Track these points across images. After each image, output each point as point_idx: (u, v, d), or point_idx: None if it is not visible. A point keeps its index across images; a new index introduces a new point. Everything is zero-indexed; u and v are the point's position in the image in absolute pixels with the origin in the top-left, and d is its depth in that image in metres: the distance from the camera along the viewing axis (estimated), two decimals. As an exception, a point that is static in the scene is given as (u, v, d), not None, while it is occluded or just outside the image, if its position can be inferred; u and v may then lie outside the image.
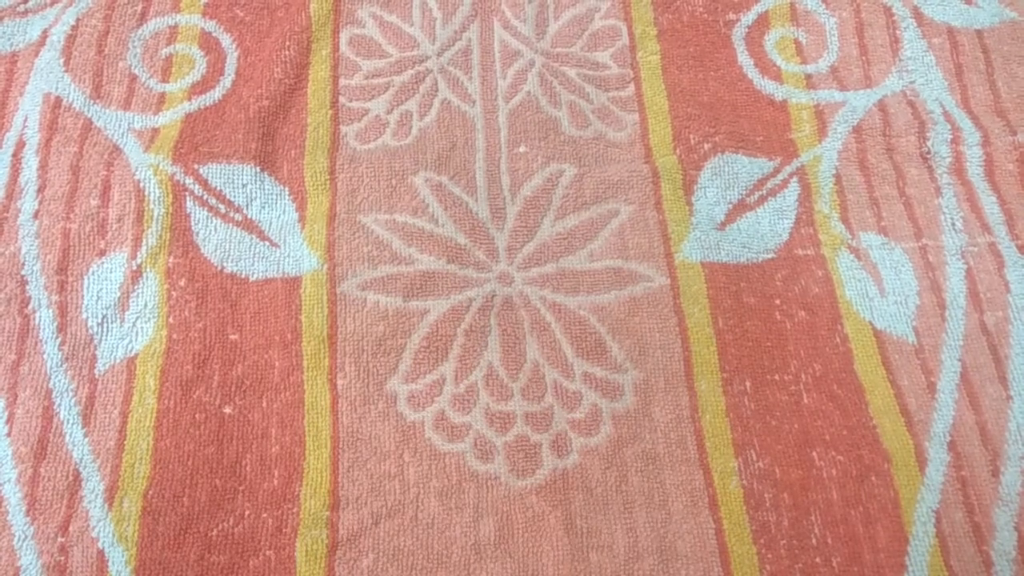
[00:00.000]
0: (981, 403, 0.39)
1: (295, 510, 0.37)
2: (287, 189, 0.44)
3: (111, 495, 0.37)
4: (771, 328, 0.41)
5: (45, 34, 0.47)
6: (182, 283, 0.41)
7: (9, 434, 0.38)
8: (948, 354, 0.40)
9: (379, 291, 0.41)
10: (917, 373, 0.40)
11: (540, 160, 0.45)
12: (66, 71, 0.46)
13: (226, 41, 0.48)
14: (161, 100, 0.46)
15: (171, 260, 0.41)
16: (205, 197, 0.43)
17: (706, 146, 0.45)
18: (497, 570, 0.37)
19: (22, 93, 0.45)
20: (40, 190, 0.43)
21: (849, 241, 0.43)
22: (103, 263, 0.41)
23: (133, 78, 0.46)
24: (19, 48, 0.47)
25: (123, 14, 0.48)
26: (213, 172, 0.43)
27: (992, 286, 0.42)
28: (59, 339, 0.39)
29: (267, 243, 0.43)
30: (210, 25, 0.48)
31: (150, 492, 0.37)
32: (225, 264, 0.42)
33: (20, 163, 0.43)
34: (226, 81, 0.47)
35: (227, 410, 0.39)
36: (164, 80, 0.46)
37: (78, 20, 0.47)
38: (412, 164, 0.45)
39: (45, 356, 0.39)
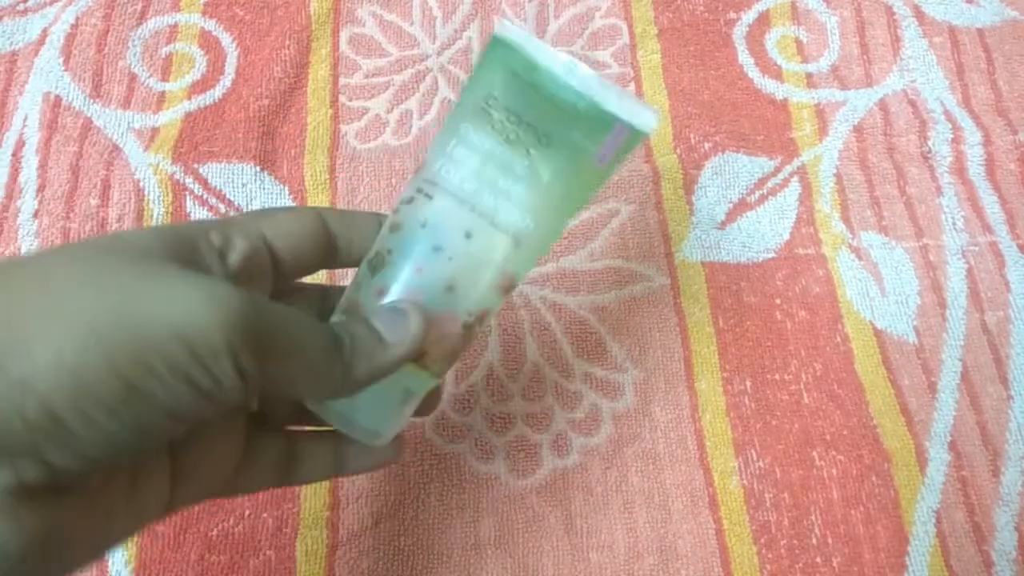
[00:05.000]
0: (982, 403, 0.39)
1: (295, 510, 0.37)
2: (287, 188, 0.44)
3: (111, 495, 0.37)
4: (771, 327, 0.41)
5: (45, 33, 0.47)
6: (182, 283, 0.41)
7: (9, 434, 0.38)
8: (949, 354, 0.40)
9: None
10: (918, 373, 0.40)
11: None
12: (66, 70, 0.46)
13: (226, 40, 0.48)
14: (161, 99, 0.46)
15: (171, 260, 0.41)
16: (205, 196, 0.43)
17: (706, 145, 0.45)
18: (497, 570, 0.37)
19: (22, 92, 0.45)
20: (40, 189, 0.43)
21: (850, 240, 0.43)
22: (103, 263, 0.41)
23: (133, 77, 0.46)
24: (19, 47, 0.47)
25: (123, 13, 0.48)
26: (213, 171, 0.43)
27: (993, 286, 0.42)
28: (59, 339, 0.39)
29: (267, 242, 0.43)
30: (210, 24, 0.48)
31: (150, 492, 0.37)
32: (225, 264, 0.42)
33: (20, 162, 0.43)
34: (226, 80, 0.47)
35: (227, 410, 0.39)
36: (164, 79, 0.46)
37: (78, 19, 0.47)
38: (412, 163, 0.45)
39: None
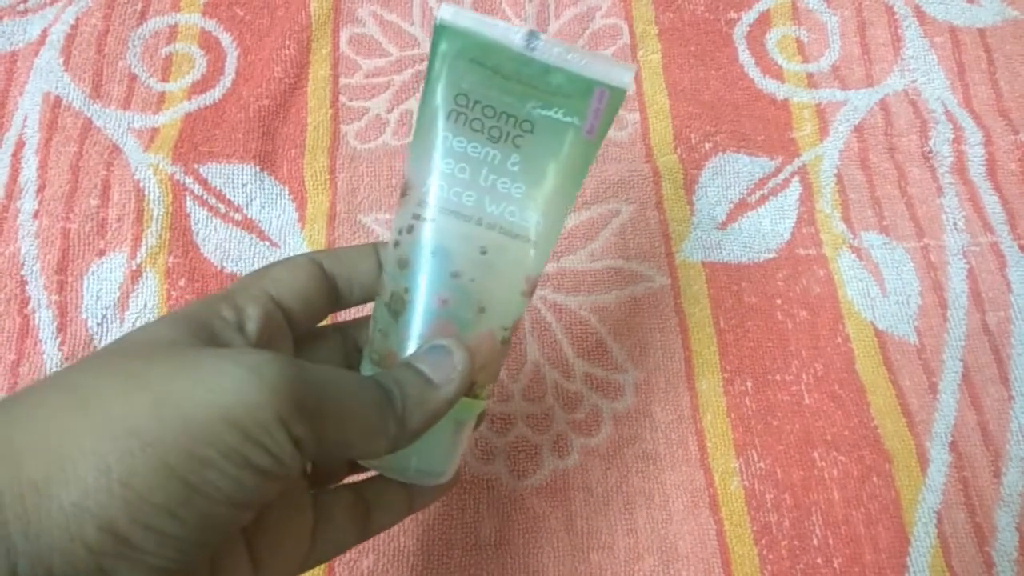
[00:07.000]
0: (983, 403, 0.39)
1: (295, 510, 0.37)
2: (287, 188, 0.44)
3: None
4: (772, 328, 0.41)
5: (45, 33, 0.47)
6: (182, 283, 0.41)
7: (9, 434, 0.38)
8: (950, 354, 0.40)
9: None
10: (919, 373, 0.40)
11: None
12: (66, 70, 0.46)
13: (226, 40, 0.48)
14: (161, 99, 0.46)
15: (171, 260, 0.41)
16: (205, 197, 0.43)
17: (707, 145, 0.45)
18: (498, 570, 0.36)
19: (22, 92, 0.45)
20: (40, 190, 0.42)
21: (851, 241, 0.43)
22: (103, 263, 0.41)
23: (133, 77, 0.46)
24: (19, 47, 0.46)
25: (123, 13, 0.48)
26: (213, 172, 0.43)
27: (994, 286, 0.42)
28: (59, 339, 0.39)
29: (267, 243, 0.43)
30: (210, 24, 0.48)
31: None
32: (225, 264, 0.42)
33: (20, 163, 0.43)
34: (226, 80, 0.46)
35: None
36: (164, 79, 0.46)
37: (78, 19, 0.47)
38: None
39: (45, 356, 0.39)
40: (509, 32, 0.23)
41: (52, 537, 0.16)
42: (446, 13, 0.24)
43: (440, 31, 0.24)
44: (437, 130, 0.24)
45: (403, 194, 0.25)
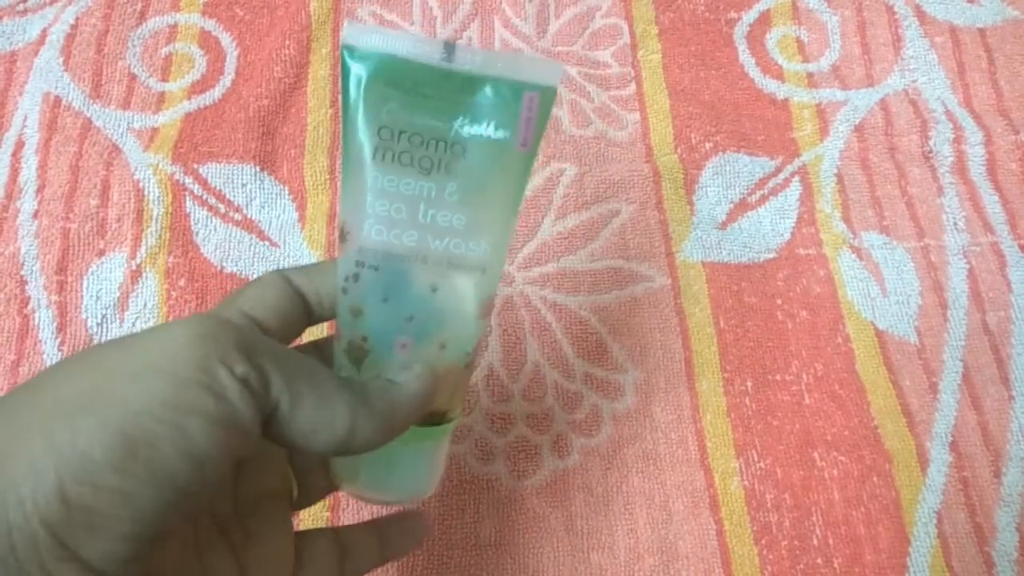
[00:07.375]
0: (983, 403, 0.39)
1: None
2: (287, 188, 0.44)
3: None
4: (772, 328, 0.41)
5: (44, 33, 0.47)
6: (182, 283, 0.41)
7: (9, 435, 0.38)
8: (950, 354, 0.40)
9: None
10: (919, 373, 0.40)
11: (540, 159, 0.45)
12: (65, 70, 0.46)
13: (226, 40, 0.48)
14: (161, 99, 0.46)
15: (171, 260, 0.41)
16: (205, 197, 0.43)
17: (707, 145, 0.45)
18: (497, 570, 0.36)
19: (21, 92, 0.45)
20: (39, 190, 0.42)
21: (851, 241, 0.43)
22: (103, 263, 0.41)
23: (132, 77, 0.46)
24: (18, 47, 0.46)
25: (123, 13, 0.48)
26: (213, 171, 0.43)
27: (994, 286, 0.42)
28: (58, 339, 0.39)
29: (267, 243, 0.43)
30: (210, 24, 0.48)
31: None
32: (225, 264, 0.42)
33: (19, 163, 0.43)
34: (226, 80, 0.46)
35: (227, 410, 0.39)
36: (164, 79, 0.46)
37: (77, 19, 0.47)
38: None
39: (44, 356, 0.39)
40: (424, 45, 0.21)
41: (15, 522, 0.16)
42: (350, 34, 0.21)
43: (348, 55, 0.21)
44: (364, 170, 0.22)
45: (342, 239, 0.23)
